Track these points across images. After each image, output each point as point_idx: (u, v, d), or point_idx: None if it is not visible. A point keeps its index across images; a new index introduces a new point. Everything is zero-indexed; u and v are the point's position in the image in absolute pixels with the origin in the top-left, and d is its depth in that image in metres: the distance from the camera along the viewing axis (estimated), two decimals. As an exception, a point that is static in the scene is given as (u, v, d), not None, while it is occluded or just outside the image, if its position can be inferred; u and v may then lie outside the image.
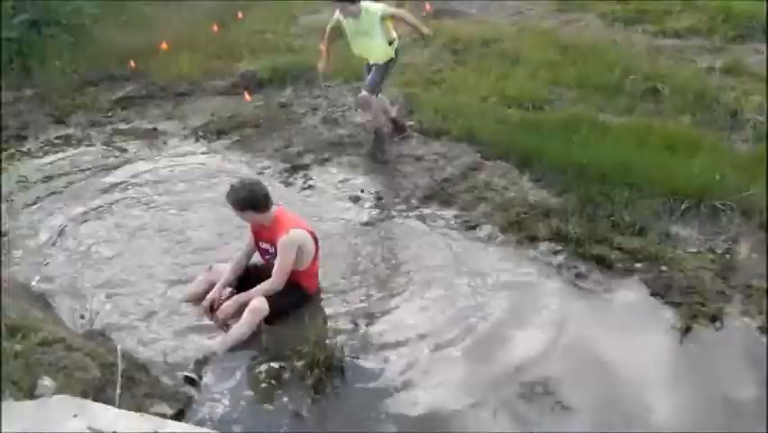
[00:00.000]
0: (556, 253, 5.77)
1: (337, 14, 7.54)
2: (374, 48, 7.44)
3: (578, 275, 5.47)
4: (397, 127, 7.90)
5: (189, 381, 4.40)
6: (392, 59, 7.51)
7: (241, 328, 4.78)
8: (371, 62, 7.54)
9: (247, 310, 4.83)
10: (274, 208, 5.12)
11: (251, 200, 5.03)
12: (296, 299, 5.12)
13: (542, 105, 8.43)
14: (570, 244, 5.81)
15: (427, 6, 12.53)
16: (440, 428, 4.12)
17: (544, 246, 5.87)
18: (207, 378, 4.44)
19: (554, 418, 4.17)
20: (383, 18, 7.25)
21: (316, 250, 5.19)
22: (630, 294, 5.31)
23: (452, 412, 4.20)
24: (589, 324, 4.98)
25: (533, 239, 5.96)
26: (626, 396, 4.32)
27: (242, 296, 5.01)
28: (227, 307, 5.00)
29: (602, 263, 5.58)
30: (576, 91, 8.76)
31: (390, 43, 7.43)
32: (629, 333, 4.89)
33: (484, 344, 4.77)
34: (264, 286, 5.00)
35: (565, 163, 6.82)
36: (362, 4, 7.24)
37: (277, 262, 5.00)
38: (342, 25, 7.53)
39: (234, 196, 5.04)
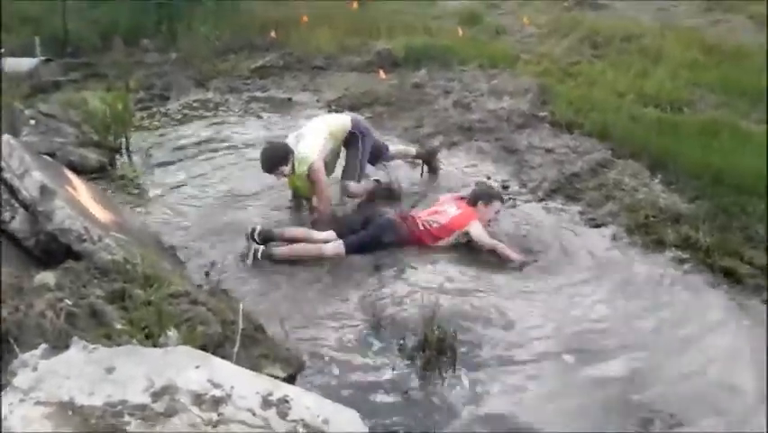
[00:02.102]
0: (683, 261, 5.56)
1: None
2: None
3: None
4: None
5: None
6: None
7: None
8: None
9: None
10: None
11: None
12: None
13: (681, 107, 8.18)
14: (698, 253, 5.59)
15: (571, -5, 12.36)
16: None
17: (670, 253, 5.67)
18: (319, 347, 4.53)
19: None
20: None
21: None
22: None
23: (557, 417, 4.01)
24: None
25: (659, 244, 5.77)
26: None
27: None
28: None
29: (731, 277, 5.33)
30: (719, 95, 8.44)
31: None
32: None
33: (599, 351, 4.51)
34: None
35: (701, 169, 6.59)
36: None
37: None
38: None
39: None
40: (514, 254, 5.59)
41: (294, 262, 5.48)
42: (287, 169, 6.09)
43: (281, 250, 5.46)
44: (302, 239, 5.70)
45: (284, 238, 5.68)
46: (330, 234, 5.73)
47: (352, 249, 5.54)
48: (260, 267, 5.39)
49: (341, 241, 5.56)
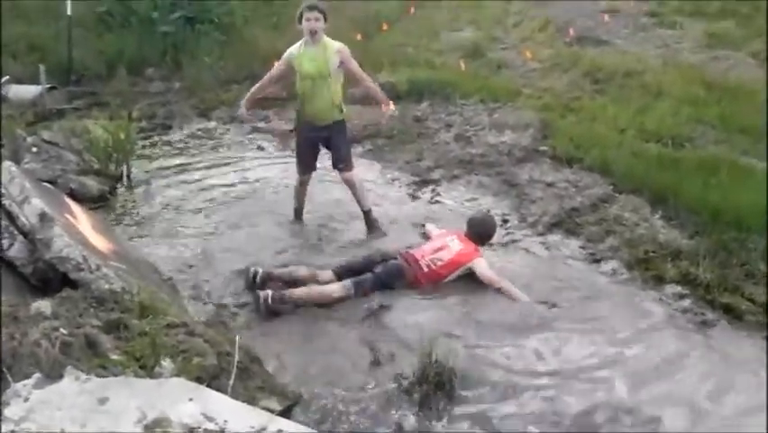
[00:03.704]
0: (683, 297, 5.53)
1: (296, 44, 6.33)
2: (328, 101, 6.37)
3: (704, 323, 5.23)
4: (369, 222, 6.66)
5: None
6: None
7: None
8: (323, 123, 6.45)
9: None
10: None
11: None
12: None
13: (682, 143, 8.15)
14: (698, 289, 5.57)
15: (570, 32, 12.41)
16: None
17: (670, 289, 5.64)
18: (315, 380, 4.49)
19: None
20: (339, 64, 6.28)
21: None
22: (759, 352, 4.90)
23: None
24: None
25: (659, 280, 5.74)
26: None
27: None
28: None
29: (731, 313, 5.31)
30: (719, 131, 8.45)
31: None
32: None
33: (600, 390, 4.46)
34: None
35: (701, 205, 6.55)
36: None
37: None
38: (295, 63, 6.31)
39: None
40: (517, 293, 5.51)
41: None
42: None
43: (294, 294, 5.28)
44: (306, 279, 5.60)
45: (286, 280, 5.57)
46: (331, 274, 5.66)
47: (360, 292, 5.41)
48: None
49: (350, 282, 5.43)
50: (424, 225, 6.58)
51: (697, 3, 13.37)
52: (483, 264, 5.72)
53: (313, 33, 6.12)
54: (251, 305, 5.25)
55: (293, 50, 6.30)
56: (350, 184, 6.56)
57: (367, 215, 6.60)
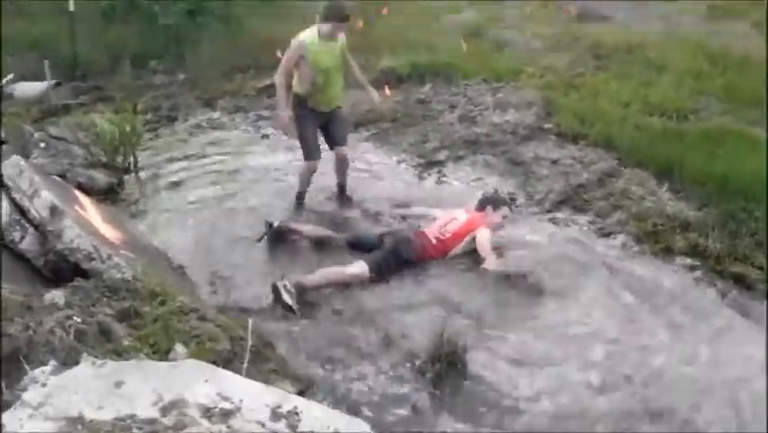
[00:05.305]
0: (693, 268, 5.56)
1: (309, 36, 6.36)
2: (339, 89, 6.69)
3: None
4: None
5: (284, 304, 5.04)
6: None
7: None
8: (328, 109, 6.63)
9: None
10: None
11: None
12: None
13: (686, 115, 8.15)
14: (708, 260, 5.60)
15: (571, 9, 12.37)
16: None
17: (680, 260, 5.67)
18: (329, 362, 4.49)
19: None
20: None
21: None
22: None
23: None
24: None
25: (668, 252, 5.76)
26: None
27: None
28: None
29: (741, 283, 5.34)
30: (724, 103, 8.42)
31: None
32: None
33: (617, 365, 4.48)
34: None
35: (707, 176, 6.58)
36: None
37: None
38: (309, 55, 6.32)
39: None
40: (499, 268, 5.54)
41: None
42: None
43: (311, 279, 5.29)
44: (320, 238, 5.98)
45: (300, 234, 6.01)
46: (343, 240, 5.95)
47: (375, 267, 5.45)
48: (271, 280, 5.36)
49: (363, 262, 5.46)
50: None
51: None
52: (486, 235, 5.75)
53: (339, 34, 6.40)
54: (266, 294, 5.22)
55: (306, 42, 6.31)
56: (345, 160, 6.72)
57: (344, 188, 6.85)
